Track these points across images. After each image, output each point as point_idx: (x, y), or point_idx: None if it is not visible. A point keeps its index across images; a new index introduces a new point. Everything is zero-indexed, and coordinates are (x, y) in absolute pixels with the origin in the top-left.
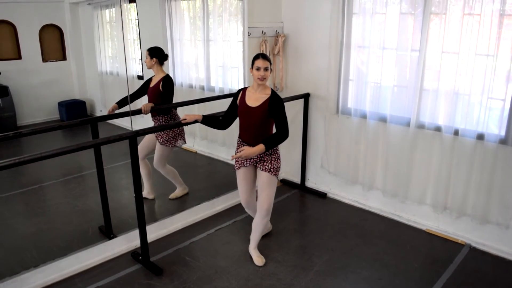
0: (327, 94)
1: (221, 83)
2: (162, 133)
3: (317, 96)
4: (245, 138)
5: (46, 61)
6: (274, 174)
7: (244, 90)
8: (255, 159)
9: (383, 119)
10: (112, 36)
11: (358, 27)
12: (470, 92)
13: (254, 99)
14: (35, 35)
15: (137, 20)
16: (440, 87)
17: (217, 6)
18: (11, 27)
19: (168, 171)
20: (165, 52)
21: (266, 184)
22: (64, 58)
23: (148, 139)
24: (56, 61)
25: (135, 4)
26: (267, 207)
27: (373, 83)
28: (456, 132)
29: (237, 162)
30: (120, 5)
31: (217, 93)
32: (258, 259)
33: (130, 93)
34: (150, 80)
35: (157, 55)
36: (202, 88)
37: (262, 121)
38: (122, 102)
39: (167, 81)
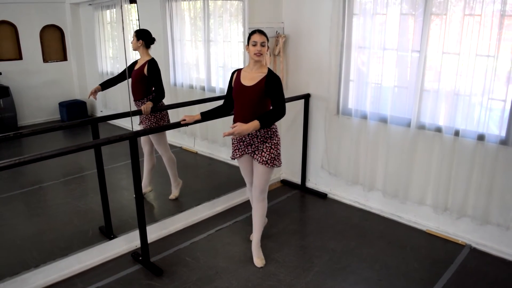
0: (327, 94)
1: (222, 84)
2: (146, 119)
3: (318, 97)
4: (240, 121)
5: (47, 62)
6: (270, 166)
7: (239, 71)
8: (252, 149)
9: (383, 120)
10: (112, 36)
11: (359, 27)
12: (470, 92)
13: (250, 78)
14: (36, 36)
15: (137, 21)
16: (440, 88)
17: (218, 7)
18: (12, 28)
19: (170, 158)
20: (153, 36)
21: (261, 174)
22: (65, 58)
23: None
24: (57, 61)
25: (135, 4)
26: (261, 188)
27: (374, 84)
28: (456, 133)
29: (233, 152)
30: (121, 6)
31: (218, 94)
32: (257, 260)
33: (113, 76)
34: (135, 63)
35: (144, 37)
36: (203, 88)
37: (258, 100)
38: (105, 84)
39: (152, 65)
